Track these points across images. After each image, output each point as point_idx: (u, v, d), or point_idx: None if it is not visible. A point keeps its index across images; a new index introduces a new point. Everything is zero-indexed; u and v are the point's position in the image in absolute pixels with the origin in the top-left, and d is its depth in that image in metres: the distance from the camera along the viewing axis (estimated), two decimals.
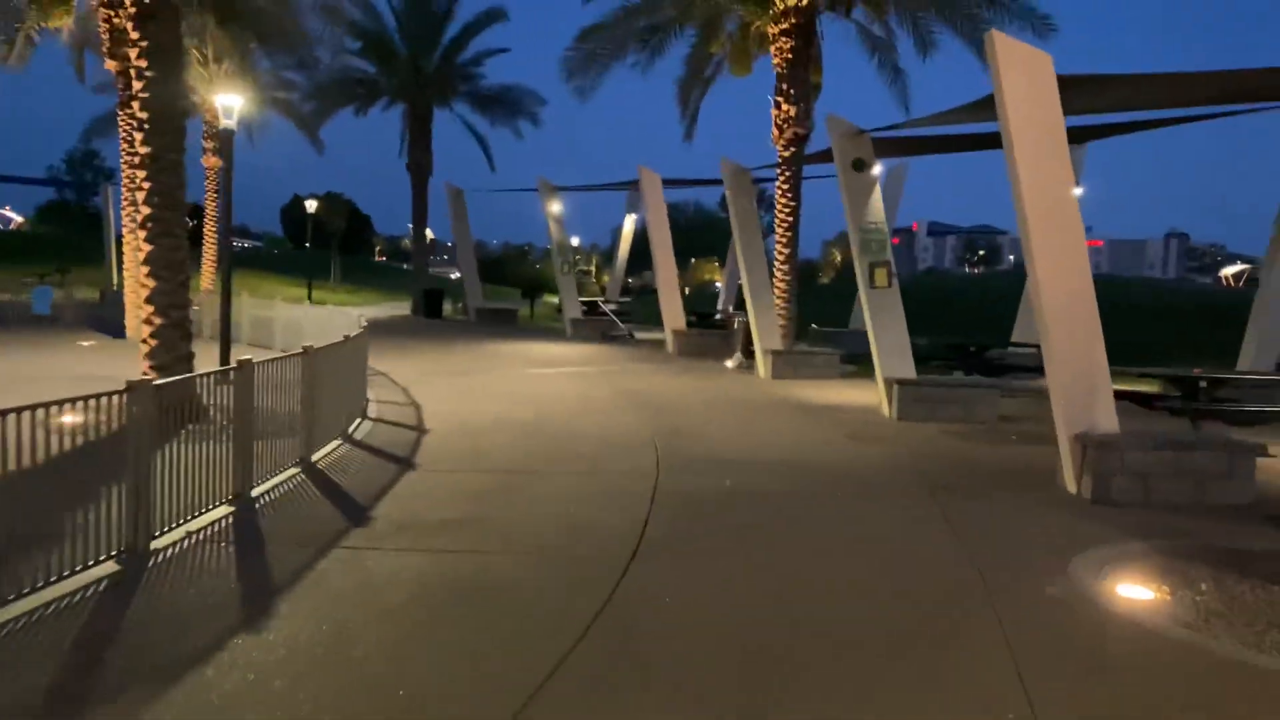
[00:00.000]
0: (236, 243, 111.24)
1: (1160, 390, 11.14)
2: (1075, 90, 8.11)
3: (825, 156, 15.54)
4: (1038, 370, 15.55)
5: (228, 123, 12.97)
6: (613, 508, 7.13)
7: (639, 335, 25.11)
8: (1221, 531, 6.83)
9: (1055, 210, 8.07)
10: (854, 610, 5.14)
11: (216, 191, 33.90)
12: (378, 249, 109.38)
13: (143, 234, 10.59)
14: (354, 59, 32.32)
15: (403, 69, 32.50)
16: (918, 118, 11.84)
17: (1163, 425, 9.87)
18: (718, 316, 24.22)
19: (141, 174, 10.53)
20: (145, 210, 10.50)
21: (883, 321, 12.61)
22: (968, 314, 27.57)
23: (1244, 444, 7.84)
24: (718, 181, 20.42)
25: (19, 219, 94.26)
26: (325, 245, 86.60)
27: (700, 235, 75.21)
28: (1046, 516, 7.27)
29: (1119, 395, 8.28)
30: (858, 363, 17.97)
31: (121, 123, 19.64)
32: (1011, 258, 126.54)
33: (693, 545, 6.29)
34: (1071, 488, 7.98)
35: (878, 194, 12.86)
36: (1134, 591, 5.39)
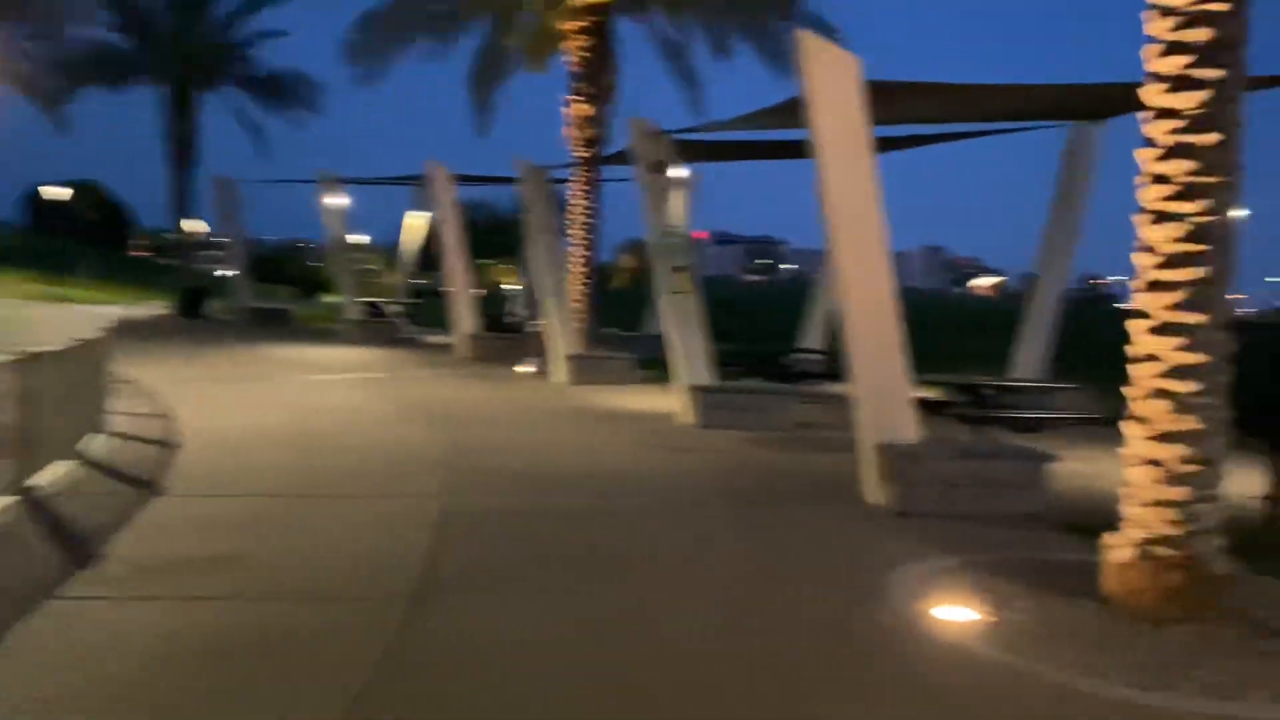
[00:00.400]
0: None
1: (946, 397, 11.39)
2: (879, 98, 8.04)
3: (623, 159, 15.19)
4: (828, 376, 15.90)
5: None
6: (398, 537, 6.32)
7: (428, 339, 23.99)
8: (1025, 542, 6.85)
9: (861, 217, 7.95)
10: (676, 654, 4.63)
11: None
12: (138, 242, 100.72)
13: None
14: (109, 32, 29.30)
15: (163, 46, 29.71)
16: (719, 120, 11.70)
17: (948, 432, 10.04)
18: (511, 320, 23.50)
19: None
20: None
21: (682, 327, 12.34)
22: (753, 321, 28.21)
23: (1039, 452, 8.00)
24: (513, 180, 19.69)
25: None
26: (85, 238, 78.77)
27: (494, 236, 73.60)
28: (856, 530, 7.08)
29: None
30: (654, 368, 17.76)
31: None
32: (795, 266, 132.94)
33: (488, 579, 5.58)
34: (874, 499, 7.86)
35: (679, 198, 12.59)
36: (955, 614, 5.18)
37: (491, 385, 15.69)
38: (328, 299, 49.32)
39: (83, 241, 60.64)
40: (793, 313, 18.87)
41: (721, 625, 4.98)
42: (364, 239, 61.04)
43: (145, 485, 7.48)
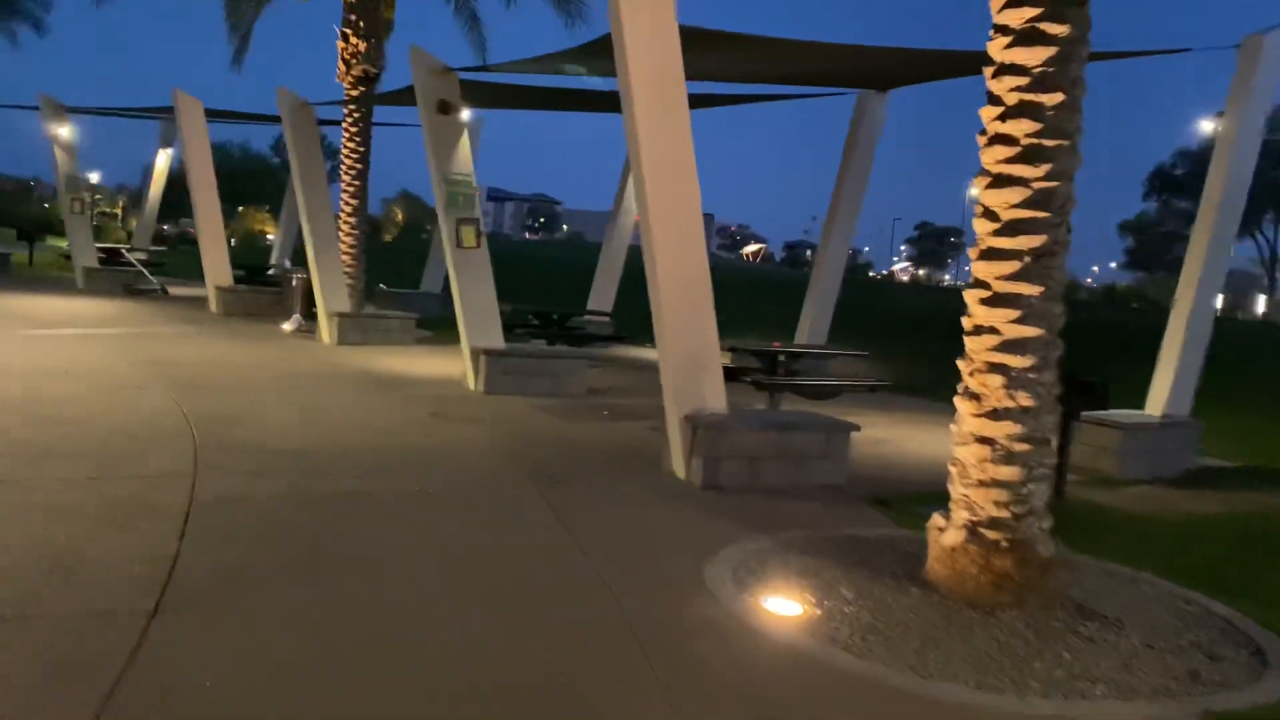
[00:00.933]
0: None
1: (738, 364, 11.16)
2: (690, 46, 7.45)
3: (401, 99, 13.92)
4: (615, 339, 15.46)
5: None
6: (130, 532, 5.18)
7: (175, 292, 21.59)
8: (833, 517, 6.58)
9: (675, 173, 7.37)
10: (474, 675, 3.89)
11: None
12: None
13: None
14: None
15: None
16: (512, 61, 10.73)
17: (745, 401, 9.78)
18: (271, 272, 21.51)
19: None
20: None
21: (470, 285, 11.42)
22: (533, 282, 27.41)
23: (841, 423, 7.79)
24: (274, 118, 17.83)
25: None
26: None
27: (251, 180, 68.40)
28: (664, 509, 6.57)
29: None
30: (432, 329, 16.66)
31: None
32: (565, 227, 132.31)
33: (243, 587, 4.60)
34: (680, 472, 7.41)
35: (465, 142, 11.60)
36: (781, 606, 4.74)
37: (250, 344, 14.09)
38: (55, 243, 44.12)
39: None
40: (575, 274, 18.27)
41: (522, 633, 4.29)
42: (97, 179, 55.25)
43: None
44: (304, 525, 5.66)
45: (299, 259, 25.55)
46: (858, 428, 7.85)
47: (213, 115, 19.26)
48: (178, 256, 31.01)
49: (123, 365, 11.17)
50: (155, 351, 12.51)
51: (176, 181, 28.99)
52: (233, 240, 78.88)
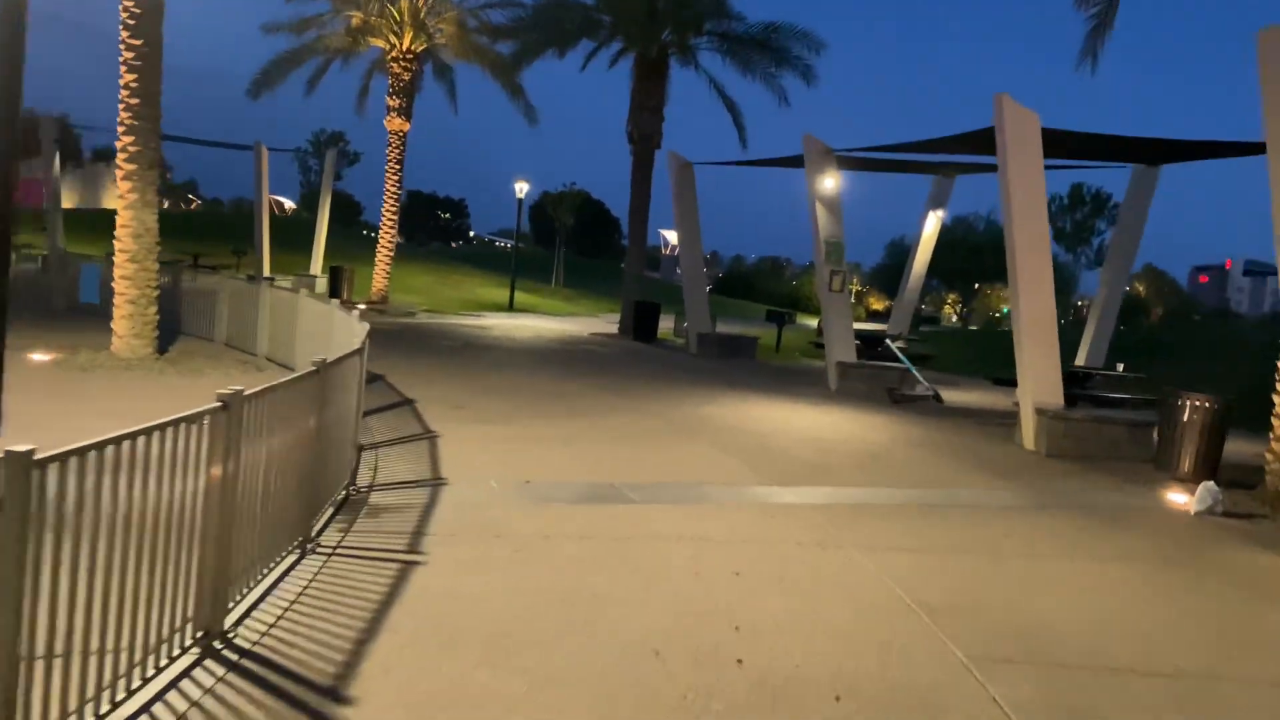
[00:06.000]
0: (498, 241, 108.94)
1: None
2: None
3: None
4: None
5: None
6: None
7: (950, 398, 15.19)
8: None
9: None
10: None
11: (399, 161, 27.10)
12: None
13: None
14: None
15: None
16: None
17: None
18: (1103, 375, 13.82)
19: None
20: None
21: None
22: None
23: None
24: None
25: (290, 204, 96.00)
26: (580, 247, 79.77)
27: (994, 253, 61.22)
28: None
29: None
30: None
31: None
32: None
33: None
34: None
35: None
36: None
37: (1153, 568, 6.55)
38: (808, 321, 42.43)
39: (570, 248, 59.98)
40: None
41: None
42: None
43: None
44: None
45: (1110, 358, 17.38)
46: None
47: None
48: (937, 343, 25.20)
49: (902, 627, 4.41)
50: (957, 577, 5.64)
51: (940, 248, 23.25)
52: (968, 323, 72.38)
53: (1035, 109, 11.23)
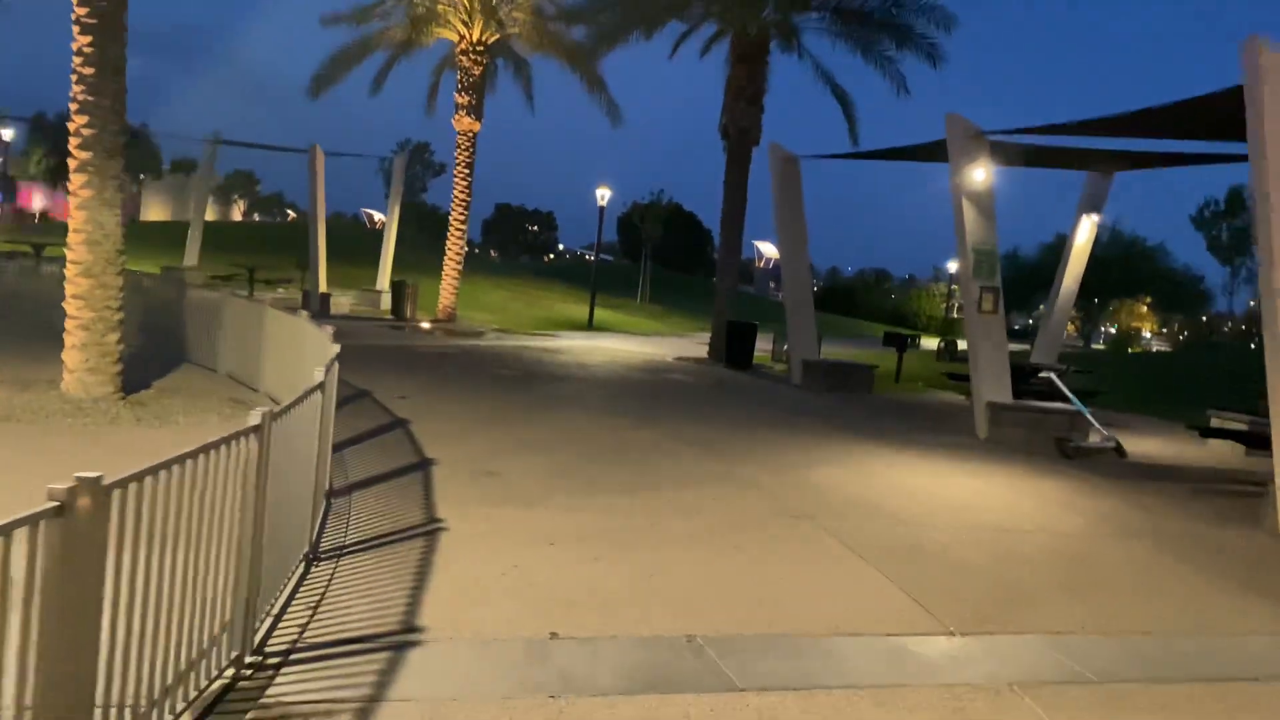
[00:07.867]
0: (587, 255, 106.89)
1: None
2: None
3: None
4: None
5: None
6: None
7: (1132, 448, 11.75)
8: None
9: None
10: None
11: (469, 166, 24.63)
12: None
13: None
14: None
15: None
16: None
17: None
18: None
19: None
20: None
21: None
22: None
23: None
24: None
25: (380, 217, 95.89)
26: (668, 259, 76.73)
27: (1121, 266, 55.98)
28: None
29: None
30: None
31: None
32: None
33: None
34: None
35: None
36: None
37: None
38: (929, 342, 38.66)
39: (658, 261, 57.05)
40: None
41: None
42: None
43: None
44: None
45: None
46: None
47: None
48: (1099, 374, 21.40)
49: None
50: None
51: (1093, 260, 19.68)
52: (1096, 341, 66.35)
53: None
